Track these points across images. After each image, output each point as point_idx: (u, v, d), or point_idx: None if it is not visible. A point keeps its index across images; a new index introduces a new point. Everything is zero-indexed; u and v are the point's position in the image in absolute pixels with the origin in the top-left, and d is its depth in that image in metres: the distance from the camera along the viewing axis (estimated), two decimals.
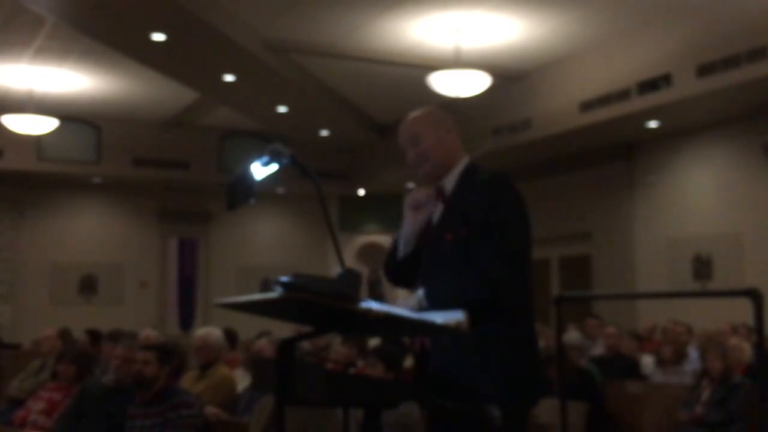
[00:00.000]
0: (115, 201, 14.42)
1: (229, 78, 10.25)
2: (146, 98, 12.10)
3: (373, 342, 6.19)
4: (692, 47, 8.65)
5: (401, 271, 2.72)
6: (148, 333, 7.02)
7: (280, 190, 14.44)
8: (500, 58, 9.97)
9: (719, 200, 10.20)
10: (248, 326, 8.03)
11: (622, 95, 9.43)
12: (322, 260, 14.65)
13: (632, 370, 7.26)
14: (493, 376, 2.46)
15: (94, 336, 8.44)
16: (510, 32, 9.20)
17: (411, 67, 9.99)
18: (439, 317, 2.18)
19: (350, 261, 13.99)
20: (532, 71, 10.55)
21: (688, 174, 10.64)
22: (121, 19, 8.48)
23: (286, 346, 2.15)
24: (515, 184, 2.60)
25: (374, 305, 2.02)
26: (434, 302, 2.51)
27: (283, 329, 6.61)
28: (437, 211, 2.69)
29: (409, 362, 5.34)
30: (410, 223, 2.67)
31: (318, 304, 1.97)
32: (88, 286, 14.12)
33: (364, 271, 13.53)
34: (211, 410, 4.59)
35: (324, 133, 13.02)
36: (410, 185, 14.01)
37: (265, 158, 2.40)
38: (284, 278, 1.96)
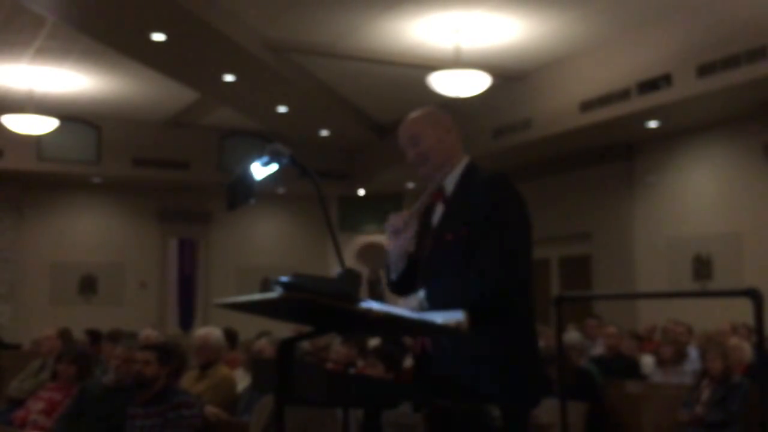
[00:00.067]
0: (115, 201, 14.42)
1: (229, 78, 10.25)
2: (146, 98, 12.10)
3: (373, 342, 6.18)
4: (692, 47, 8.65)
5: (401, 284, 2.74)
6: (148, 333, 7.02)
7: (280, 190, 14.44)
8: (500, 58, 9.96)
9: (719, 200, 10.20)
10: (248, 326, 8.05)
11: (622, 95, 9.43)
12: (322, 260, 14.65)
13: (632, 370, 7.26)
14: (493, 377, 2.46)
15: (94, 336, 8.45)
16: (510, 32, 9.19)
17: (411, 67, 9.99)
18: (439, 317, 2.18)
19: (350, 261, 13.99)
20: (532, 71, 10.55)
21: (688, 174, 10.64)
22: (121, 19, 8.48)
23: (286, 346, 2.15)
24: (515, 184, 2.60)
25: (374, 305, 2.02)
26: (435, 302, 2.51)
27: (283, 329, 6.61)
28: (438, 211, 2.70)
29: (409, 362, 5.34)
30: (394, 248, 2.70)
31: (318, 304, 1.97)
32: (87, 286, 14.12)
33: (364, 271, 13.52)
34: (211, 410, 4.59)
35: (324, 133, 13.02)
36: (410, 185, 14.03)
37: (265, 158, 2.40)
38: (284, 278, 1.96)
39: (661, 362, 7.35)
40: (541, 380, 2.64)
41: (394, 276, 2.73)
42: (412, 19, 8.84)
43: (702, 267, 10.22)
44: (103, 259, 14.20)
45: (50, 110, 11.17)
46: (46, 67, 10.48)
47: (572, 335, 7.12)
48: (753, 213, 9.73)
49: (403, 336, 5.39)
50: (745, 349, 6.38)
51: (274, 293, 1.96)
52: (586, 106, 9.89)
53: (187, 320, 14.41)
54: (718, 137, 10.21)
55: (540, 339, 2.73)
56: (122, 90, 11.69)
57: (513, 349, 2.50)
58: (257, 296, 2.12)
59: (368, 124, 12.90)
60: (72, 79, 11.06)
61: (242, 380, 5.58)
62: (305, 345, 6.95)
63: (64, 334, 8.03)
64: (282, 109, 11.65)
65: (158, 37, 8.79)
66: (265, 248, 15.16)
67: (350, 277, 2.08)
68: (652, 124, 10.06)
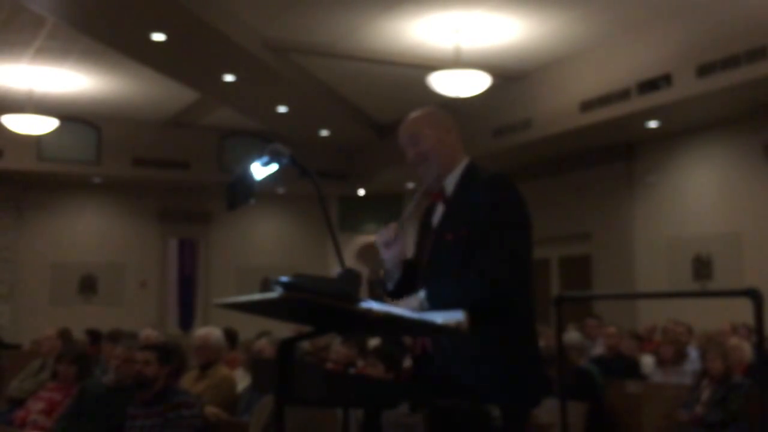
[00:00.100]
0: (115, 201, 14.42)
1: (229, 78, 10.25)
2: (146, 98, 12.10)
3: (373, 342, 6.18)
4: (692, 47, 8.65)
5: (398, 293, 2.75)
6: (148, 333, 7.02)
7: (280, 190, 14.44)
8: (500, 58, 9.96)
9: (719, 200, 10.20)
10: (248, 326, 8.03)
11: (622, 95, 9.43)
12: (322, 260, 14.65)
13: (632, 370, 7.26)
14: (493, 377, 2.46)
15: (94, 336, 8.45)
16: (510, 32, 9.19)
17: (411, 67, 9.99)
18: (439, 317, 2.18)
19: (350, 261, 13.99)
20: (532, 71, 10.55)
21: (688, 174, 10.64)
22: (121, 19, 8.48)
23: (286, 346, 2.15)
24: (515, 184, 2.60)
25: (374, 305, 2.02)
26: (435, 302, 2.51)
27: (283, 329, 6.61)
28: (438, 211, 2.70)
29: (408, 362, 5.33)
30: (388, 259, 2.71)
31: (318, 304, 1.97)
32: (87, 286, 14.12)
33: (364, 271, 13.52)
34: (211, 410, 4.59)
35: (324, 133, 13.02)
36: (410, 185, 14.03)
37: (265, 158, 2.40)
38: (284, 278, 1.95)
39: (661, 362, 7.35)
40: (541, 380, 2.64)
41: (390, 285, 2.74)
42: (412, 19, 8.84)
43: (702, 267, 10.22)
44: (103, 259, 14.20)
45: (50, 110, 11.18)
46: (46, 67, 10.48)
47: (572, 335, 7.11)
48: (753, 213, 9.73)
49: (403, 336, 5.39)
50: (745, 349, 6.38)
51: (274, 293, 1.96)
52: (586, 106, 9.89)
53: (187, 320, 14.41)
54: (718, 137, 10.21)
55: (540, 339, 2.72)
56: (122, 90, 11.69)
57: (513, 349, 2.50)
58: (257, 296, 2.12)
59: (368, 124, 12.90)
60: (72, 79, 11.06)
61: (242, 380, 5.58)
62: (305, 345, 6.95)
63: (64, 334, 8.01)
64: (282, 109, 11.65)
65: (158, 37, 8.79)
66: (265, 248, 15.16)
67: (350, 277, 2.08)
68: (652, 124, 10.06)
